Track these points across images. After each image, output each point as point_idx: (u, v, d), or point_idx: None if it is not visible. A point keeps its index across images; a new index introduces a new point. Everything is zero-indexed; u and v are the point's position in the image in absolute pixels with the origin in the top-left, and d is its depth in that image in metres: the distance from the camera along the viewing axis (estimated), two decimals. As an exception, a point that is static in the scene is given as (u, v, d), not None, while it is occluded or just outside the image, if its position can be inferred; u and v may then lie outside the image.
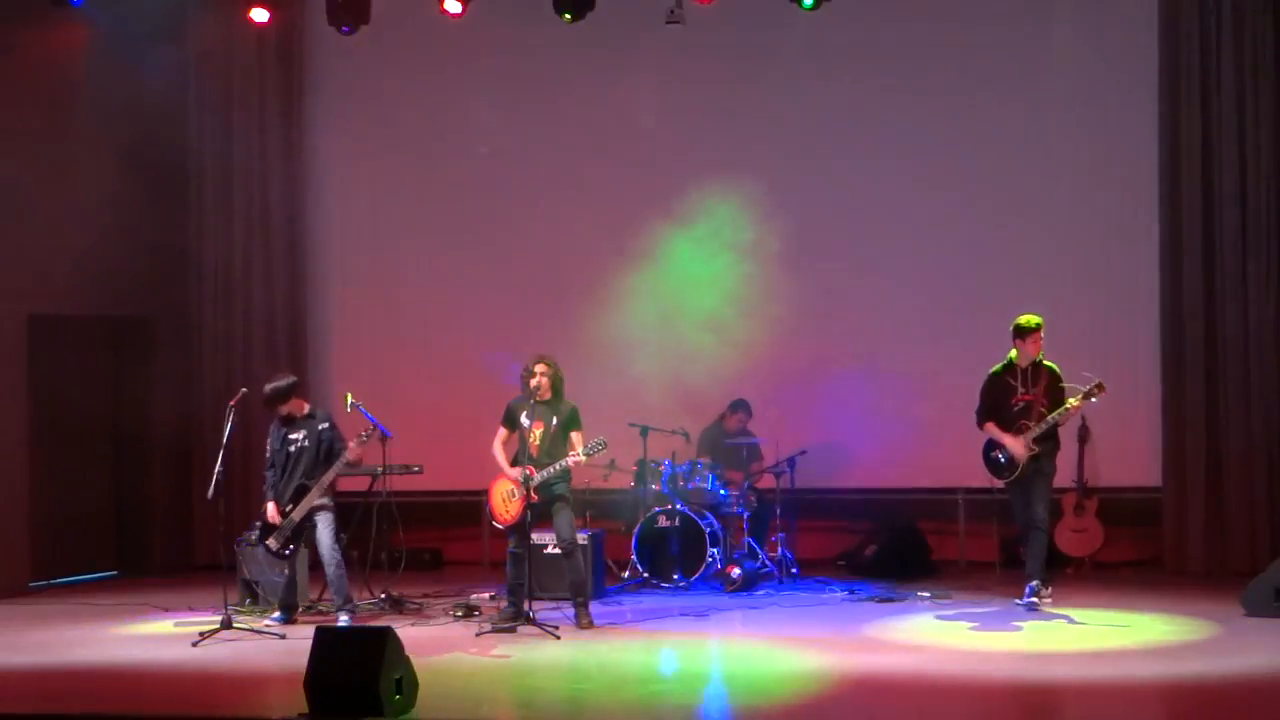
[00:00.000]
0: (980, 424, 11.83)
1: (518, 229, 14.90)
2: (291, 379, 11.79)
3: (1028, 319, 11.72)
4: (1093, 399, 11.51)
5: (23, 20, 13.61)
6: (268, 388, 11.66)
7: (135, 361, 14.89)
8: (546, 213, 14.86)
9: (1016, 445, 11.60)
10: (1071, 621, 11.19)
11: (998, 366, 11.83)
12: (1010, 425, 11.66)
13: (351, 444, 11.50)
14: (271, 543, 11.55)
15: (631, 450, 13.20)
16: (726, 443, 13.67)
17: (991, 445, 11.78)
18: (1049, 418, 11.51)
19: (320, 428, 11.63)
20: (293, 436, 11.60)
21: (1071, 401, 11.49)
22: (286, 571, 11.71)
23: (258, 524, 11.96)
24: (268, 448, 11.73)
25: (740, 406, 13.82)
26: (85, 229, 14.07)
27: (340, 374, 14.79)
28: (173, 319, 15.01)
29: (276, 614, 11.62)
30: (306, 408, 11.71)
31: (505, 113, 14.94)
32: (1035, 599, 11.54)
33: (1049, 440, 11.65)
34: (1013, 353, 11.73)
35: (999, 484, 11.93)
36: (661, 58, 14.49)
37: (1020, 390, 11.67)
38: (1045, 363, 11.69)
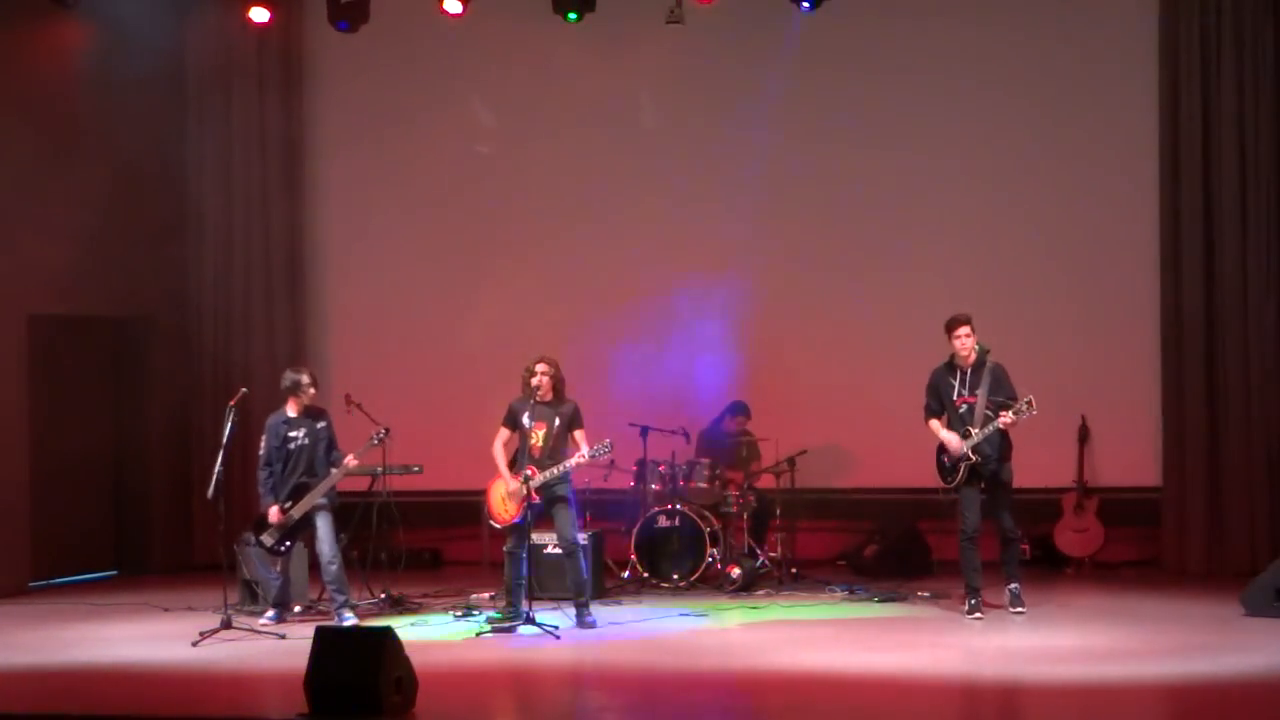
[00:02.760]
0: (926, 421, 11.59)
1: (517, 228, 14.92)
2: (291, 379, 11.73)
3: (955, 315, 11.42)
4: (1022, 416, 11.14)
5: (23, 20, 13.61)
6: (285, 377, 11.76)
7: (135, 361, 14.89)
8: (546, 212, 14.88)
9: (952, 440, 11.35)
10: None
11: (938, 366, 11.62)
12: (956, 428, 11.43)
13: (350, 458, 11.50)
14: (266, 539, 11.54)
15: (631, 450, 13.20)
16: (726, 442, 13.66)
17: (941, 450, 11.54)
18: (984, 430, 11.23)
19: (319, 426, 11.63)
20: (292, 435, 11.59)
21: (1005, 418, 11.16)
22: (279, 569, 11.69)
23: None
24: (262, 444, 11.70)
25: (739, 409, 13.82)
26: (85, 229, 14.06)
27: (340, 374, 14.77)
28: (173, 319, 15.01)
29: (270, 613, 11.61)
30: (306, 406, 11.68)
31: (505, 113, 14.95)
32: (1022, 608, 11.48)
33: (998, 448, 11.37)
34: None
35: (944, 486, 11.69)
36: (661, 58, 14.49)
37: (961, 391, 11.45)
38: (989, 363, 11.41)
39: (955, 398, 11.49)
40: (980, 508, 11.46)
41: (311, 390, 11.66)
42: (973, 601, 11.49)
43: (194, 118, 15.18)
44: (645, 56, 14.49)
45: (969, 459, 11.33)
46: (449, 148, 15.05)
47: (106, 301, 14.46)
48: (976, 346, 11.46)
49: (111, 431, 14.92)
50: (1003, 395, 11.37)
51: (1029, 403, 11.17)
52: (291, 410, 11.66)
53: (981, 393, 11.37)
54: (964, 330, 11.41)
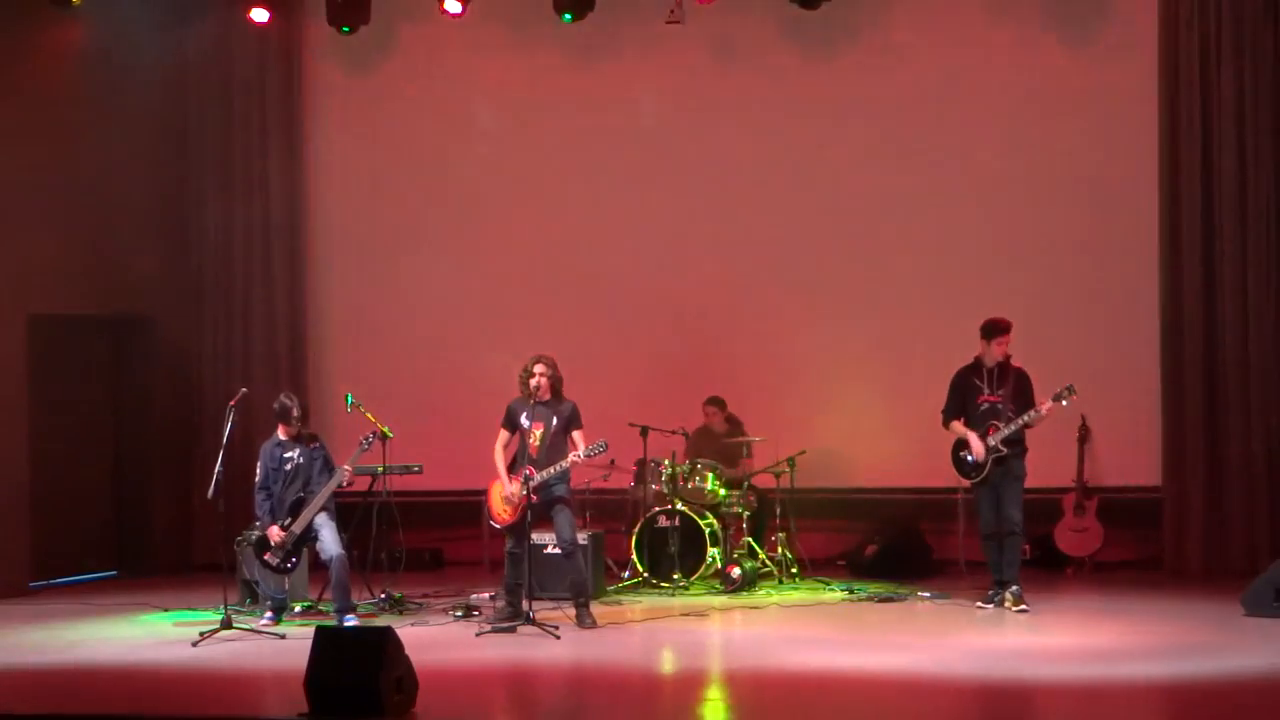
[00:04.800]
0: (945, 423, 11.79)
1: (517, 228, 14.92)
2: (281, 404, 11.73)
3: (996, 322, 11.65)
4: (1063, 402, 11.43)
5: (23, 20, 13.61)
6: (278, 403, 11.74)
7: (135, 361, 14.89)
8: (546, 212, 14.88)
9: (977, 444, 11.53)
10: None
11: (964, 365, 11.81)
12: (977, 426, 11.60)
13: (346, 468, 11.52)
14: (270, 558, 11.53)
15: (631, 450, 13.20)
16: (726, 442, 13.66)
17: (960, 444, 11.72)
18: (1019, 420, 11.45)
19: (313, 447, 11.68)
20: (287, 455, 11.65)
21: (1045, 405, 11.37)
22: (287, 585, 11.72)
23: (254, 533, 12.02)
24: (259, 469, 11.70)
25: (712, 401, 13.83)
26: (85, 229, 14.08)
27: (340, 374, 14.79)
28: (173, 319, 15.00)
29: (269, 614, 11.61)
30: (295, 431, 11.69)
31: (505, 112, 14.95)
32: (1025, 605, 11.52)
33: (1016, 444, 11.56)
34: (981, 351, 11.70)
35: (966, 484, 11.92)
36: (661, 58, 14.50)
37: (986, 391, 11.63)
38: (1014, 365, 11.64)
39: (978, 396, 11.63)
40: (994, 505, 11.61)
41: (298, 422, 11.66)
42: (990, 593, 11.68)
43: (194, 117, 15.19)
44: (645, 56, 14.49)
45: (999, 451, 11.47)
46: (449, 148, 15.05)
47: (106, 301, 14.45)
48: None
49: (111, 431, 14.92)
50: (1022, 400, 11.53)
51: (1070, 388, 11.36)
52: (282, 434, 11.70)
53: (1005, 393, 11.52)
54: (1006, 339, 11.61)
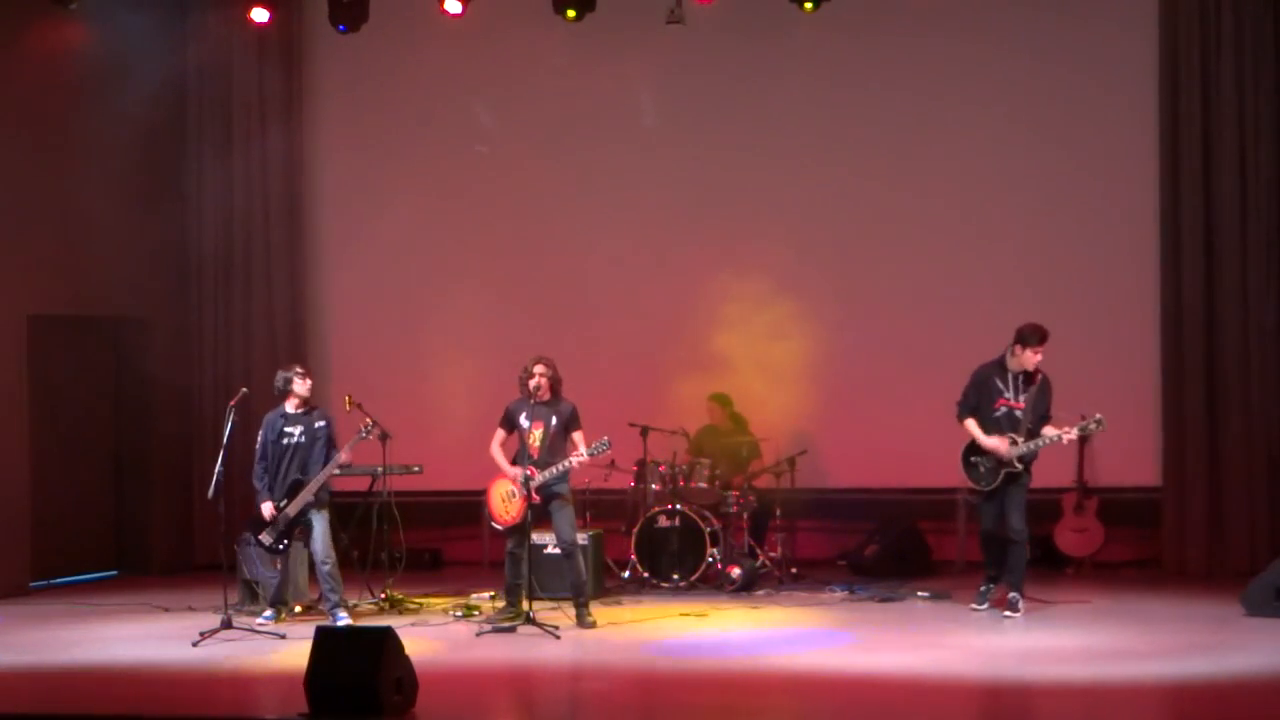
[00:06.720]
0: (960, 418, 11.46)
1: (517, 229, 14.92)
2: (282, 378, 11.71)
3: (1036, 329, 11.28)
4: (1088, 433, 11.19)
5: (23, 20, 13.62)
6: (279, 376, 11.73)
7: (135, 361, 14.89)
8: (546, 213, 14.89)
9: (999, 444, 11.22)
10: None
11: (989, 362, 11.51)
12: (991, 431, 11.33)
13: (343, 453, 11.53)
14: (265, 537, 11.53)
15: (631, 450, 13.20)
16: (730, 440, 13.66)
17: (972, 450, 11.44)
18: (1038, 440, 11.19)
19: (317, 425, 11.62)
20: (288, 430, 11.60)
21: (1069, 433, 11.13)
22: (278, 567, 11.69)
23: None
24: (259, 438, 11.67)
25: (715, 398, 13.82)
26: (85, 229, 14.09)
27: (340, 374, 14.79)
28: (173, 319, 15.01)
29: (267, 612, 11.61)
30: (306, 403, 11.68)
31: (505, 112, 14.96)
32: (1018, 611, 11.39)
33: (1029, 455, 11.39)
34: (1010, 354, 11.42)
35: (966, 484, 11.73)
36: (661, 58, 14.50)
37: (1008, 395, 11.34)
38: (1038, 372, 11.34)
39: (997, 399, 11.35)
40: (997, 512, 11.46)
41: (302, 382, 11.63)
42: (983, 589, 11.63)
43: (194, 117, 15.19)
44: (645, 57, 14.49)
45: (1014, 467, 11.27)
46: (448, 149, 15.05)
47: (106, 301, 14.46)
48: None
49: (111, 431, 14.92)
50: (1042, 410, 11.32)
51: (1098, 421, 11.09)
52: (290, 407, 11.66)
53: (1028, 400, 11.29)
54: (1042, 349, 11.27)
